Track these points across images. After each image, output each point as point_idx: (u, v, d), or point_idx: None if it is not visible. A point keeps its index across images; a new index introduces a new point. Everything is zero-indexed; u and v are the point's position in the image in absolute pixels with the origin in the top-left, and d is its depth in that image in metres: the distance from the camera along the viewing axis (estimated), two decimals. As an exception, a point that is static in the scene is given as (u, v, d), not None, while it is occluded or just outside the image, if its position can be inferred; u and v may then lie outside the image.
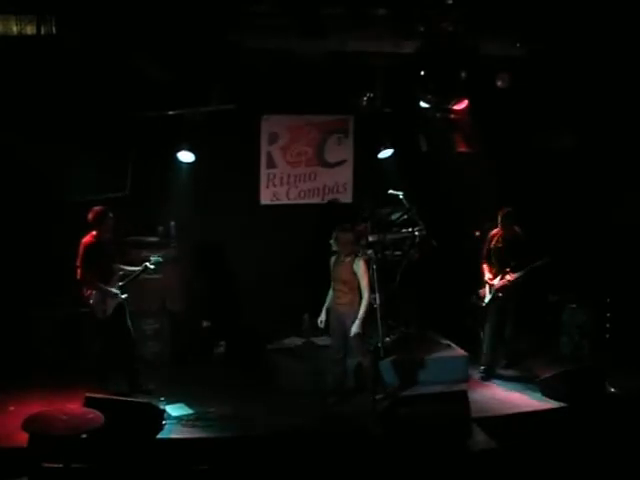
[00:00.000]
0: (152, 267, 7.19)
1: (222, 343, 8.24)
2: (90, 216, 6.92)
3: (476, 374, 7.77)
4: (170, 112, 7.85)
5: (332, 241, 7.01)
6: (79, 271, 6.87)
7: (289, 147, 8.93)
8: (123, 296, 6.99)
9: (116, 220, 7.04)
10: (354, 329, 6.74)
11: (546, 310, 8.82)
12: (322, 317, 7.07)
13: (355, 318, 6.77)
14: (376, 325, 6.92)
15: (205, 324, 8.43)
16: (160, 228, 8.29)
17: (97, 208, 6.96)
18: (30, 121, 7.68)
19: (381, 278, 7.03)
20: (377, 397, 6.87)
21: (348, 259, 6.87)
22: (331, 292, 7.04)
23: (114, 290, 6.93)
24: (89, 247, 6.88)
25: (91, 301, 6.88)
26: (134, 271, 7.14)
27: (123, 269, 7.14)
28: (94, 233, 6.93)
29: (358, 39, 7.87)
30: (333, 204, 8.98)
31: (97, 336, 7.07)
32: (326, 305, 7.08)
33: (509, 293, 7.60)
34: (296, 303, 8.32)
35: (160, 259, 7.27)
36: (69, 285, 7.40)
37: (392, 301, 7.64)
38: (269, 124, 8.81)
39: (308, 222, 8.68)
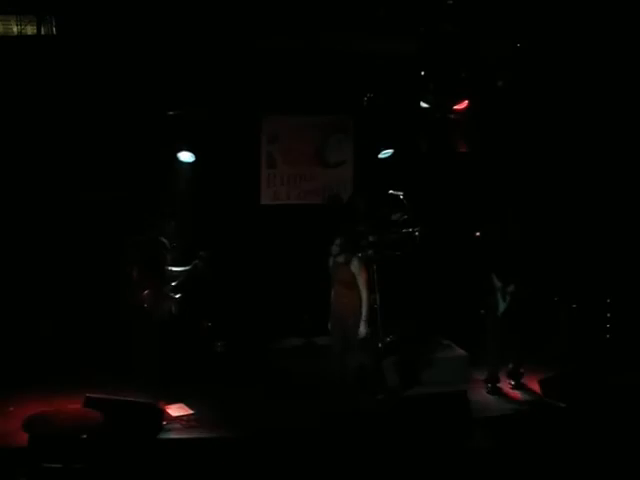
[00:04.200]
0: (201, 264, 7.21)
1: (220, 343, 8.23)
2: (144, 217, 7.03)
3: (483, 376, 7.77)
4: (170, 112, 7.86)
5: (334, 247, 6.98)
6: (133, 273, 6.93)
7: (289, 147, 8.92)
8: (177, 296, 7.04)
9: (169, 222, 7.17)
10: (362, 330, 6.72)
11: (546, 310, 8.82)
12: (331, 322, 7.06)
13: (356, 318, 6.76)
14: (376, 325, 6.93)
15: (205, 324, 8.43)
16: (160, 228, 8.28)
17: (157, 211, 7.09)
18: (30, 121, 7.69)
19: (381, 278, 7.03)
20: (378, 397, 6.88)
21: (347, 259, 6.87)
22: (332, 295, 7.05)
23: (169, 291, 6.99)
24: (147, 248, 6.94)
25: (147, 303, 6.91)
26: (184, 271, 7.18)
27: (172, 270, 7.18)
28: (150, 234, 7.02)
29: (358, 39, 7.89)
30: (334, 203, 8.97)
31: (151, 337, 7.06)
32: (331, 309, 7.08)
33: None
34: (296, 303, 8.32)
35: (207, 256, 7.28)
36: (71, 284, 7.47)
37: (392, 301, 7.64)
38: (269, 124, 8.81)
39: (308, 222, 8.68)
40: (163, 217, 7.26)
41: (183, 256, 7.40)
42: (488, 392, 7.55)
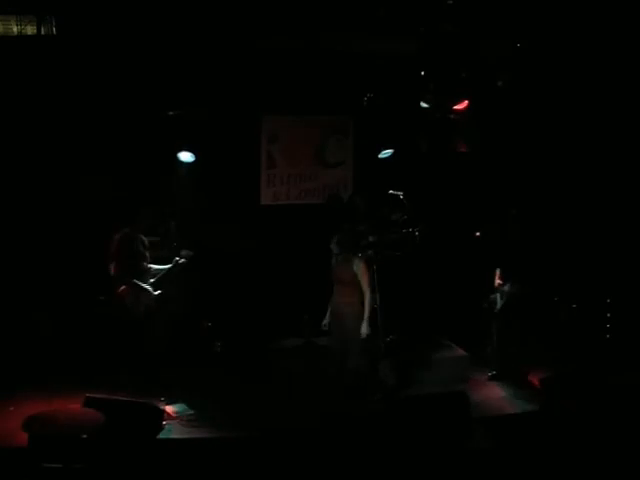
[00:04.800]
0: (183, 261, 7.23)
1: (219, 343, 8.24)
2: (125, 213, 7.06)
3: (483, 376, 7.79)
4: (170, 112, 7.86)
5: (332, 245, 6.98)
6: (113, 267, 6.94)
7: (289, 147, 8.92)
8: (156, 293, 7.06)
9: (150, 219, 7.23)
10: (363, 330, 6.71)
11: (546, 310, 8.82)
12: (326, 320, 7.07)
13: (355, 318, 6.76)
14: (377, 325, 6.93)
15: (205, 324, 8.43)
16: (160, 228, 8.28)
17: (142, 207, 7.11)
18: (30, 121, 7.69)
19: (381, 278, 7.03)
20: (376, 397, 6.88)
21: (348, 259, 6.86)
22: (333, 295, 7.04)
23: (148, 287, 6.99)
24: (123, 244, 6.95)
25: (125, 299, 6.93)
26: (164, 269, 7.20)
27: (152, 267, 7.18)
28: (127, 230, 7.02)
29: (358, 39, 7.89)
30: (334, 203, 8.97)
31: (130, 334, 7.07)
32: (330, 307, 7.08)
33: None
34: (296, 303, 8.32)
35: (191, 253, 7.29)
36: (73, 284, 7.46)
37: (392, 301, 7.64)
38: (269, 124, 8.81)
39: (308, 222, 8.68)
40: (146, 215, 7.27)
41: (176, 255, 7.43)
42: (490, 378, 7.67)
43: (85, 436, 5.22)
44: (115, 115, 7.86)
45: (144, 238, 7.17)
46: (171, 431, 6.39)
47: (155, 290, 7.12)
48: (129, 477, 5.52)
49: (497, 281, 7.73)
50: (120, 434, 5.64)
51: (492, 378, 7.78)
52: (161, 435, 6.15)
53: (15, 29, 7.59)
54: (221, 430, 6.48)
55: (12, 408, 6.63)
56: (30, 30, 7.57)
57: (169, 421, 6.53)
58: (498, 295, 7.71)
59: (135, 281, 6.94)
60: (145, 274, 7.06)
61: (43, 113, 7.70)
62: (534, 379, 7.59)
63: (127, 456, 5.59)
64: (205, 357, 8.12)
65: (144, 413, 6.10)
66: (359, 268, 6.81)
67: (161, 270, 7.24)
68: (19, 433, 5.32)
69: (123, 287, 6.94)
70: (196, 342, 8.21)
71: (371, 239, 7.85)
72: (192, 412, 6.81)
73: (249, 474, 5.79)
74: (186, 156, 7.93)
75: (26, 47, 7.55)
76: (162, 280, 7.23)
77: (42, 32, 7.57)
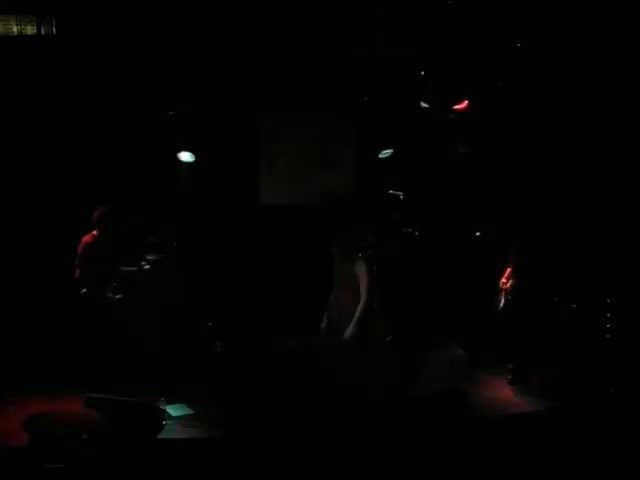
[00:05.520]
0: (148, 267, 7.18)
1: (219, 343, 8.22)
2: (93, 215, 6.98)
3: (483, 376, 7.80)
4: (170, 112, 7.86)
5: (332, 245, 6.98)
6: (76, 271, 6.91)
7: (289, 147, 8.92)
8: (117, 297, 7.00)
9: (117, 220, 7.10)
10: (348, 331, 6.72)
11: (546, 310, 8.81)
12: (324, 322, 7.06)
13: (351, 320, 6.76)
14: (377, 325, 6.93)
15: (205, 324, 8.42)
16: (160, 228, 8.28)
17: (101, 208, 7.01)
18: (30, 121, 7.70)
19: (381, 278, 7.03)
20: (376, 397, 6.89)
21: (348, 260, 6.86)
22: (332, 295, 7.03)
23: (108, 292, 6.95)
24: (88, 247, 6.91)
25: (87, 300, 6.91)
26: (130, 271, 7.15)
27: (121, 270, 7.14)
28: (94, 233, 6.98)
29: (359, 39, 7.90)
30: (333, 203, 8.97)
31: (93, 336, 7.06)
32: (328, 309, 7.07)
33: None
34: (296, 303, 8.32)
35: (156, 258, 7.25)
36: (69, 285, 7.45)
37: (392, 301, 7.64)
38: (269, 124, 8.81)
39: (308, 222, 8.68)
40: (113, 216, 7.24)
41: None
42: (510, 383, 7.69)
43: (85, 436, 5.22)
44: (115, 115, 7.86)
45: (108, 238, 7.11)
46: (171, 431, 6.39)
47: (116, 294, 7.04)
48: (129, 477, 5.53)
49: (502, 280, 7.75)
50: (120, 434, 5.64)
51: (512, 382, 7.74)
52: (161, 435, 6.16)
53: (15, 29, 7.60)
54: (221, 430, 6.48)
55: (12, 408, 6.63)
56: (30, 30, 7.58)
57: (169, 421, 6.54)
58: (502, 293, 7.74)
59: (93, 286, 6.89)
60: (108, 278, 7.01)
61: (43, 113, 7.71)
62: (534, 379, 7.60)
63: (127, 456, 5.59)
64: (205, 357, 8.12)
65: (144, 413, 6.11)
66: (360, 269, 6.81)
67: (127, 272, 7.16)
68: (19, 433, 5.32)
69: (84, 290, 6.92)
70: (196, 342, 8.21)
71: (371, 239, 7.86)
72: (192, 412, 6.81)
73: (249, 474, 5.79)
74: (186, 156, 7.93)
75: (26, 47, 7.55)
76: (130, 283, 7.15)
77: (42, 32, 7.58)
